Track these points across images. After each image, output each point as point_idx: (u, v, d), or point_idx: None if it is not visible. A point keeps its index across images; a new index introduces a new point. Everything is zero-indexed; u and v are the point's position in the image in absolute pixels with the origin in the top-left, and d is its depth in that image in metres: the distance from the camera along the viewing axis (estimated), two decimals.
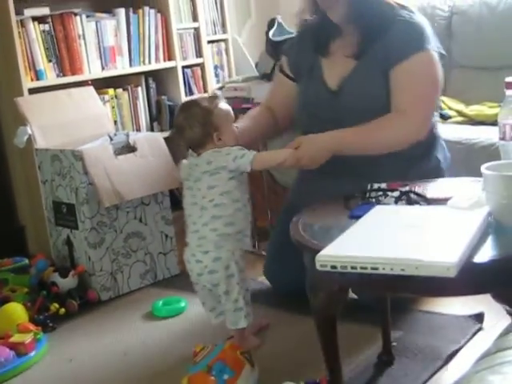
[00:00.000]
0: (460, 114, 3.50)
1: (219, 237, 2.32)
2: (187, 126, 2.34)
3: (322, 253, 1.58)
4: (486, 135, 3.01)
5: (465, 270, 1.45)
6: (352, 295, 2.44)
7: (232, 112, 2.42)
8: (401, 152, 2.40)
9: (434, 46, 2.45)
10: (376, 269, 1.50)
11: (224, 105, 2.39)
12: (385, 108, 2.41)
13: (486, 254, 1.55)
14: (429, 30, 2.46)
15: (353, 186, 2.08)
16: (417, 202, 1.92)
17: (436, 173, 2.46)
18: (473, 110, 3.47)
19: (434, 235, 1.62)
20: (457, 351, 2.30)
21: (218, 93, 2.44)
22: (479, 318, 2.48)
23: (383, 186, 2.05)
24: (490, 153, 2.78)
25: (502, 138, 1.98)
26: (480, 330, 2.43)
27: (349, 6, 2.42)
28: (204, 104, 2.36)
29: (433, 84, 2.46)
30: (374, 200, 1.99)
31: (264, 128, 2.65)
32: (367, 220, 1.78)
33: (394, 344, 2.32)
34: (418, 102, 2.40)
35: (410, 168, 2.43)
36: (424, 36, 2.43)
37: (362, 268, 1.51)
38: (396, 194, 1.97)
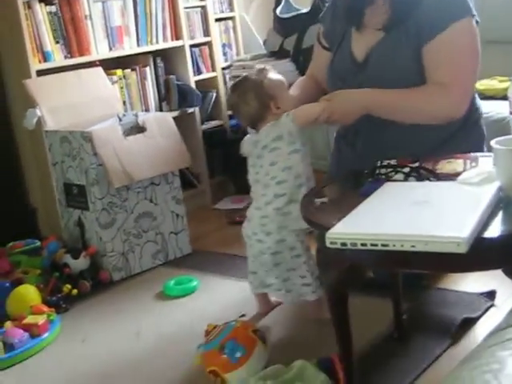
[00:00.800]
0: None
1: (283, 216, 2.33)
2: (242, 102, 2.35)
3: (332, 230, 1.58)
4: (496, 109, 2.99)
5: (475, 245, 1.44)
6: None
7: (284, 79, 2.41)
8: (433, 132, 2.34)
9: (471, 12, 2.29)
10: (386, 245, 1.49)
11: (274, 74, 2.40)
12: (411, 82, 2.30)
13: (497, 229, 1.54)
14: None
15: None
16: (427, 178, 1.91)
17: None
18: (483, 84, 3.44)
19: (444, 211, 1.62)
20: (469, 326, 2.30)
21: (268, 66, 2.44)
22: (491, 295, 2.47)
23: (393, 162, 2.04)
24: (501, 127, 2.76)
25: None
26: (492, 306, 2.42)
27: None
28: (253, 77, 2.36)
29: (472, 55, 2.31)
30: (383, 177, 1.98)
31: (313, 96, 2.54)
32: (377, 197, 1.77)
33: (405, 317, 2.32)
34: (459, 76, 2.27)
35: (442, 149, 2.29)
36: (458, 2, 2.29)
37: (372, 245, 1.51)
38: (406, 170, 1.96)
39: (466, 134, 2.41)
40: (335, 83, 2.50)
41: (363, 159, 2.25)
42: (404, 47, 2.33)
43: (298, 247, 2.35)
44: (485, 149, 2.40)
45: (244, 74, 2.45)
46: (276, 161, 2.33)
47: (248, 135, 2.46)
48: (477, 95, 2.49)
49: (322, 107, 2.27)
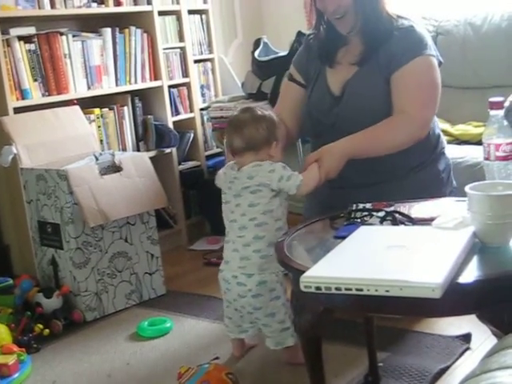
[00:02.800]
0: (445, 133, 3.51)
1: (263, 259, 2.29)
2: (253, 125, 2.33)
3: (307, 274, 1.57)
4: (471, 155, 3.02)
5: (450, 290, 1.44)
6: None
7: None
8: (402, 162, 2.52)
9: (432, 52, 2.53)
10: (360, 290, 1.49)
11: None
12: (383, 112, 2.46)
13: (471, 274, 1.55)
14: (428, 38, 2.56)
15: (358, 195, 2.22)
16: (402, 223, 1.92)
17: (435, 184, 2.58)
18: (458, 129, 3.48)
19: (418, 256, 1.62)
20: (443, 371, 2.29)
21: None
22: (467, 338, 2.47)
23: (368, 206, 2.05)
24: (475, 172, 2.79)
25: (487, 158, 1.99)
26: (467, 349, 2.42)
27: (356, 18, 2.52)
28: (273, 115, 2.39)
29: (431, 87, 2.52)
30: (359, 220, 1.98)
31: None
32: (352, 240, 1.77)
33: (381, 365, 2.31)
34: (418, 103, 2.47)
35: (408, 178, 2.54)
36: (423, 42, 2.51)
37: (346, 289, 1.50)
38: (381, 214, 1.97)
39: (434, 162, 2.63)
40: (312, 117, 2.65)
41: (338, 188, 2.45)
42: (377, 78, 2.51)
43: (278, 288, 2.33)
44: (452, 176, 2.68)
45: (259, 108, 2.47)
46: (257, 203, 2.29)
47: (223, 169, 2.43)
48: (440, 132, 2.73)
49: (318, 172, 2.29)
